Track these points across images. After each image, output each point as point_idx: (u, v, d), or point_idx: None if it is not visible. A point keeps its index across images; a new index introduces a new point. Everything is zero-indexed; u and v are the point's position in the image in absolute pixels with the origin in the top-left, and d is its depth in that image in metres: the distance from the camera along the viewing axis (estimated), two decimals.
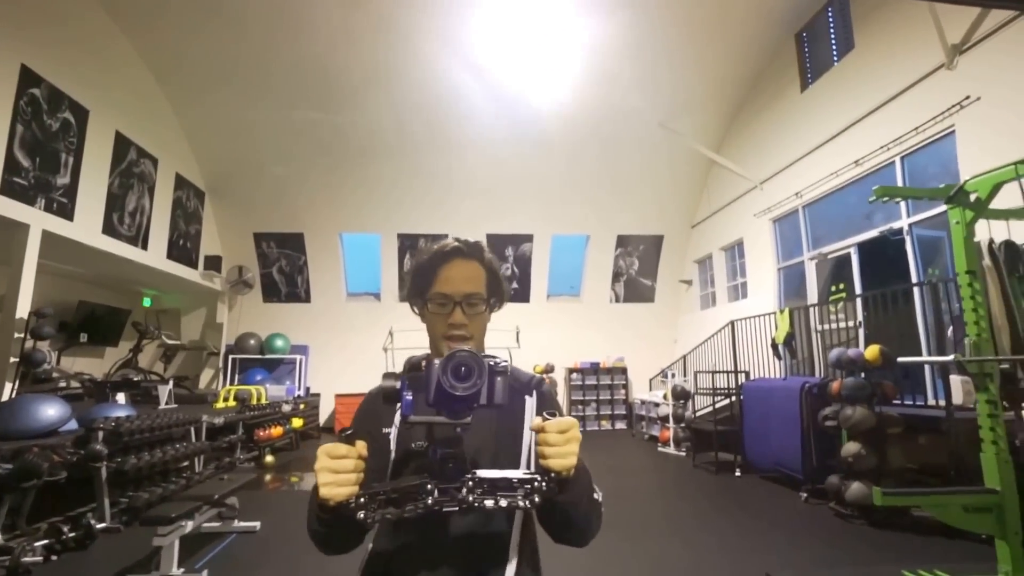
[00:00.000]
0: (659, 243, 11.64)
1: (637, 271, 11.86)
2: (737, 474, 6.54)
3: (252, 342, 10.70)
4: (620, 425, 11.23)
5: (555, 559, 1.95)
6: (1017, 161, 2.97)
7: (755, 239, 9.00)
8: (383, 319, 11.26)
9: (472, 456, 0.94)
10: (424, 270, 1.11)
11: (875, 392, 4.76)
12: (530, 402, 1.09)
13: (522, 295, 11.41)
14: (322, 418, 10.99)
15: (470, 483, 0.86)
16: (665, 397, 8.81)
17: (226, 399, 8.08)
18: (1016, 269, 3.20)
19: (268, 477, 6.85)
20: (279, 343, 10.79)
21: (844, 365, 4.96)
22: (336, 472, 0.84)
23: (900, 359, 4.07)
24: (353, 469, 0.85)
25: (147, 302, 10.63)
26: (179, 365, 11.12)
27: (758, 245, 8.93)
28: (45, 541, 3.73)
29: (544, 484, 0.86)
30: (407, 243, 11.04)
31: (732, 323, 7.94)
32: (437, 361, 0.85)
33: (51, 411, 4.28)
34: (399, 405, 0.90)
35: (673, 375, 9.34)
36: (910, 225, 5.99)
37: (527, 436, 1.05)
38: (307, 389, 11.07)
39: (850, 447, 4.72)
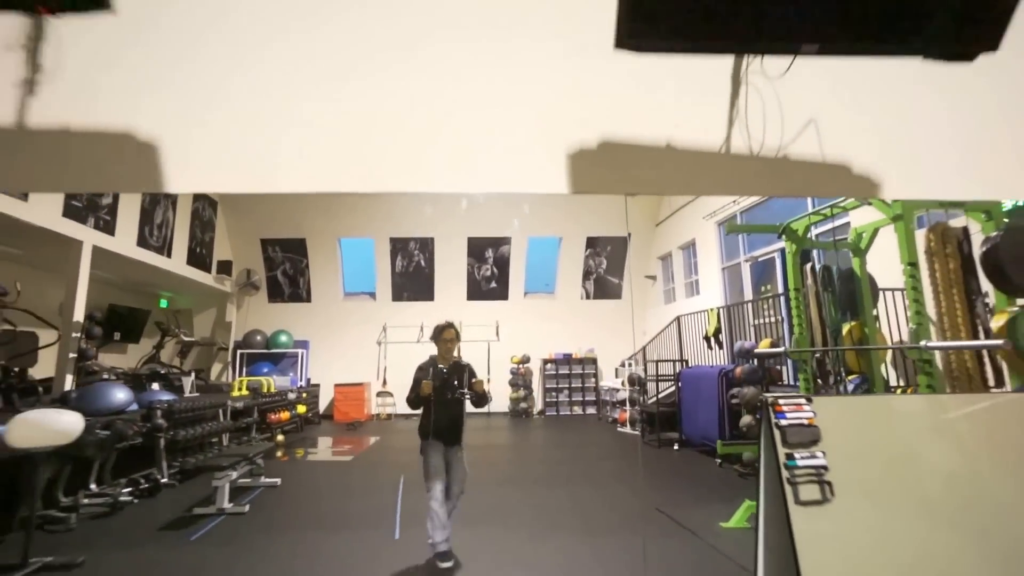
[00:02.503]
0: (626, 243, 12.88)
1: (605, 270, 13.11)
2: (675, 448, 7.82)
3: (259, 338, 11.93)
4: (591, 410, 12.53)
5: (520, 497, 3.31)
6: (812, 212, 4.23)
7: (704, 240, 10.26)
8: (377, 316, 12.52)
9: (453, 385, 3.66)
10: (438, 331, 3.81)
11: (765, 375, 6.06)
12: (467, 372, 3.74)
13: (501, 293, 12.66)
14: (322, 406, 12.23)
15: (457, 392, 3.63)
16: (623, 384, 10.11)
17: (240, 388, 9.31)
18: (829, 286, 4.47)
19: (280, 452, 8.10)
20: (283, 339, 12.02)
21: (743, 354, 6.25)
22: (427, 386, 3.55)
23: (756, 351, 5.35)
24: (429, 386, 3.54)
25: (164, 303, 11.82)
26: (193, 359, 12.33)
27: (706, 246, 10.19)
28: (129, 489, 5.02)
29: (474, 394, 3.66)
30: (398, 246, 12.26)
31: (678, 318, 9.23)
32: (443, 368, 3.74)
33: (121, 395, 5.52)
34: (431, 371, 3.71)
35: (632, 364, 10.62)
36: (816, 236, 7.25)
37: (466, 383, 3.67)
38: (308, 380, 12.31)
39: (745, 419, 6.02)
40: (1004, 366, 3.23)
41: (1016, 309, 3.10)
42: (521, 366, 12.28)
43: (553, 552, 3.73)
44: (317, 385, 12.31)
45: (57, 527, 4.20)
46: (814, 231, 5.09)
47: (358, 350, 12.43)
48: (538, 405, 12.57)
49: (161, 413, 5.56)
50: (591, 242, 12.76)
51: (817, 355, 4.44)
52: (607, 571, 3.42)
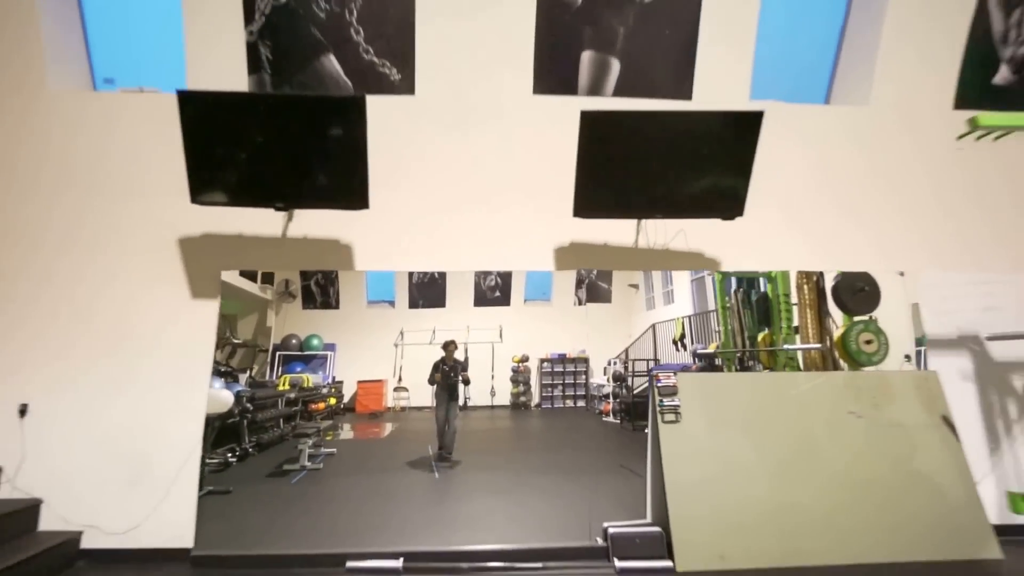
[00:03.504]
0: None
1: (597, 276, 14.86)
2: (646, 431, 9.54)
3: (294, 341, 13.66)
4: (581, 403, 14.27)
5: (525, 457, 5.17)
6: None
7: None
8: (395, 322, 14.25)
9: (451, 375, 6.47)
10: (445, 345, 7.07)
11: (714, 371, 7.80)
12: (461, 366, 6.74)
13: (504, 300, 14.40)
14: (346, 399, 13.96)
15: (453, 379, 6.63)
16: (608, 380, 11.87)
17: (284, 384, 11.04)
18: (747, 305, 6.21)
19: (321, 435, 9.82)
20: (315, 342, 13.75)
21: (695, 355, 8.02)
22: (438, 377, 6.25)
23: (698, 351, 7.11)
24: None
25: None
26: (238, 359, 14.05)
27: None
28: (229, 454, 6.75)
29: (463, 379, 6.53)
30: None
31: (653, 325, 10.99)
32: (446, 365, 6.86)
33: (216, 384, 7.23)
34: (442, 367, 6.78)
35: (615, 364, 12.38)
36: None
37: (459, 373, 6.68)
38: (333, 378, 14.03)
39: None
40: (841, 360, 4.99)
41: (848, 324, 4.86)
42: (521, 364, 14.03)
43: (549, 482, 5.51)
44: (341, 382, 14.03)
45: None
46: None
47: (378, 351, 14.14)
48: (535, 399, 14.32)
49: (246, 399, 7.30)
50: None
51: (738, 354, 6.21)
52: (584, 492, 5.19)
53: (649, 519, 3.65)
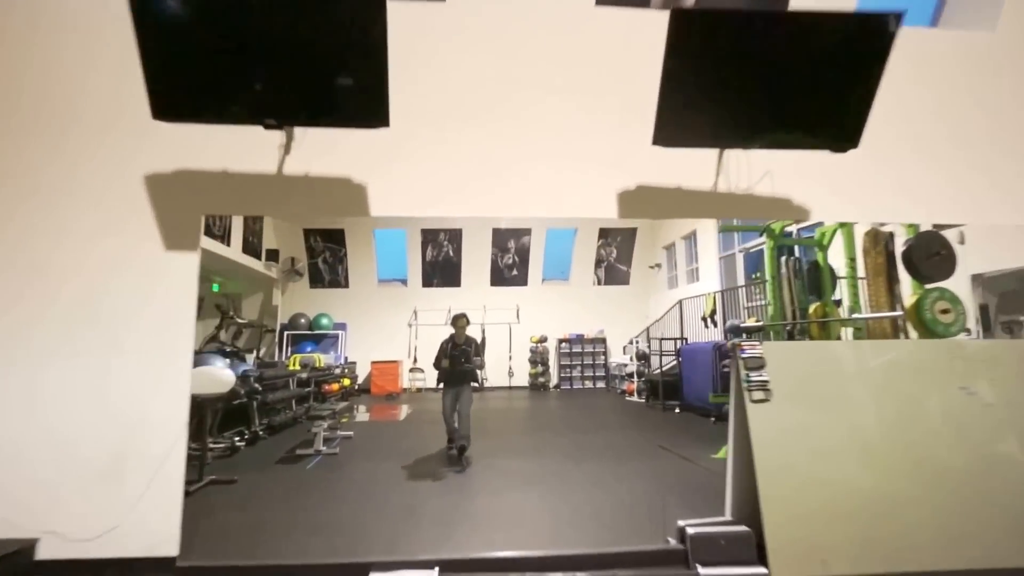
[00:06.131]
0: (634, 234, 14.04)
1: (616, 259, 14.27)
2: (677, 411, 9.03)
3: (302, 320, 13.17)
4: (600, 384, 13.77)
5: (551, 439, 4.56)
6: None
7: (704, 231, 11.40)
8: (408, 300, 13.73)
9: (461, 360, 5.38)
10: (455, 319, 5.72)
11: None
12: (474, 347, 5.43)
13: (521, 280, 13.84)
14: (360, 380, 13.49)
15: (464, 365, 5.37)
16: (632, 359, 11.32)
17: (293, 364, 10.55)
18: (798, 275, 5.61)
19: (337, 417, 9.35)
20: (324, 321, 13.25)
21: (732, 330, 7.43)
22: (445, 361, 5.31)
23: (742, 326, 6.53)
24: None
25: (215, 287, 13.02)
26: (244, 339, 13.58)
27: (706, 236, 11.33)
28: (237, 437, 6.26)
29: (479, 363, 5.45)
30: (429, 237, 13.44)
31: (680, 302, 10.40)
32: (456, 347, 5.57)
33: (219, 362, 6.72)
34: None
35: (638, 342, 11.82)
36: (799, 230, 8.39)
37: (472, 356, 5.44)
38: (345, 358, 13.55)
39: None
40: (911, 329, 4.39)
41: (921, 292, 4.26)
42: (539, 345, 13.51)
43: (586, 471, 4.98)
44: (354, 362, 13.56)
45: (194, 462, 5.43)
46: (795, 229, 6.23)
47: (391, 331, 13.65)
48: (554, 380, 13.82)
49: (254, 379, 6.79)
50: (603, 233, 13.90)
51: (788, 327, 5.62)
52: (629, 479, 4.65)
53: (729, 515, 3.09)
